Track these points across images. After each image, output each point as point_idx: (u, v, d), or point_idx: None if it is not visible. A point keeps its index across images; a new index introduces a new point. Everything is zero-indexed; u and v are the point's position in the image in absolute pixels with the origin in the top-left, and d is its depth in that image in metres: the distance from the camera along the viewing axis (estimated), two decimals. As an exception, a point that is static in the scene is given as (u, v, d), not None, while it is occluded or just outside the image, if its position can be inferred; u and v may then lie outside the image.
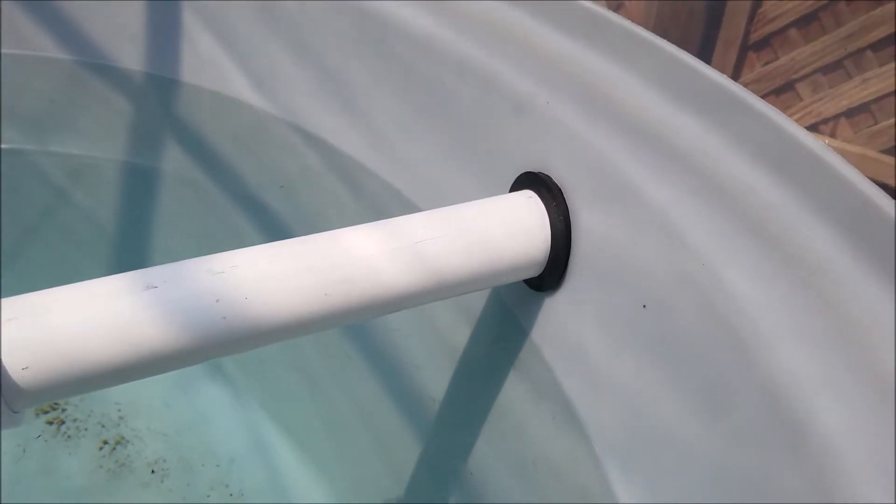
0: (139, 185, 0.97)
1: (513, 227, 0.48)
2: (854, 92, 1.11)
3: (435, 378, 0.67)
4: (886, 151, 1.12)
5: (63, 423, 0.85)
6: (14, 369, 0.37)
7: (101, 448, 0.83)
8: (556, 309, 0.51)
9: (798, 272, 0.35)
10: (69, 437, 0.83)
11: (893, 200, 0.34)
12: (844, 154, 1.17)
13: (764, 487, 0.31)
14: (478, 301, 0.60)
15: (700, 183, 0.40)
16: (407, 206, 0.67)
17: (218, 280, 0.41)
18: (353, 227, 0.46)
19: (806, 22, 1.12)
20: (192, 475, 0.81)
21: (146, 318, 0.39)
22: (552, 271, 0.49)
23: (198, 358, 0.42)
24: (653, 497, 0.41)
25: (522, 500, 0.56)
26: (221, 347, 0.42)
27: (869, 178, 0.98)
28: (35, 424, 0.84)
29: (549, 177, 0.50)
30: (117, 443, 0.83)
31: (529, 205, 0.49)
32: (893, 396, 0.29)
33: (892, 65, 1.06)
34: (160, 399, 0.87)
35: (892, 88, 1.07)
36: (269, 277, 0.42)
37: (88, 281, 0.40)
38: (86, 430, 0.84)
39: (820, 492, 0.28)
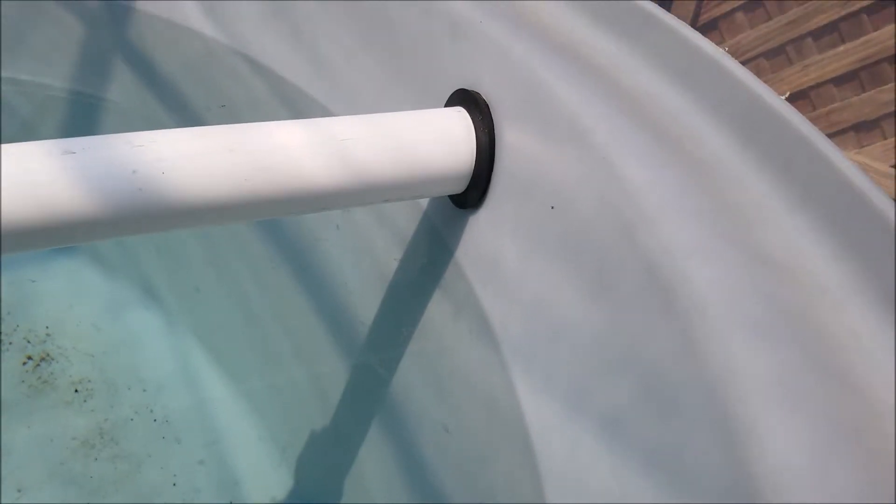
0: (89, 111, 0.96)
1: (439, 138, 0.49)
2: (794, 78, 1.15)
3: (366, 302, 0.68)
4: (822, 138, 1.16)
5: (-13, 335, 0.84)
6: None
7: (24, 363, 0.82)
8: (478, 226, 0.53)
9: (687, 162, 0.37)
10: (-7, 349, 0.83)
11: (783, 98, 0.36)
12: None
13: (640, 351, 0.33)
14: (409, 225, 0.62)
15: (610, 90, 0.42)
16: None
17: (137, 152, 0.41)
18: (281, 121, 0.47)
19: (752, 6, 1.16)
20: (117, 397, 0.81)
21: (61, 181, 0.40)
22: (475, 185, 0.51)
23: (112, 230, 0.42)
24: (547, 390, 0.43)
25: (438, 410, 0.58)
26: (136, 222, 0.42)
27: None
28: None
29: (478, 94, 0.51)
30: (42, 359, 0.83)
31: (457, 118, 0.50)
32: (756, 261, 0.31)
33: (831, 52, 1.10)
34: (90, 320, 0.87)
35: (830, 76, 1.11)
36: (189, 155, 0.42)
37: (9, 144, 0.41)
38: (10, 343, 0.83)
39: (687, 342, 0.30)
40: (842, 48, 1.10)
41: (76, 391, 0.81)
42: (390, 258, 0.62)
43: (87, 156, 0.41)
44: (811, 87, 1.15)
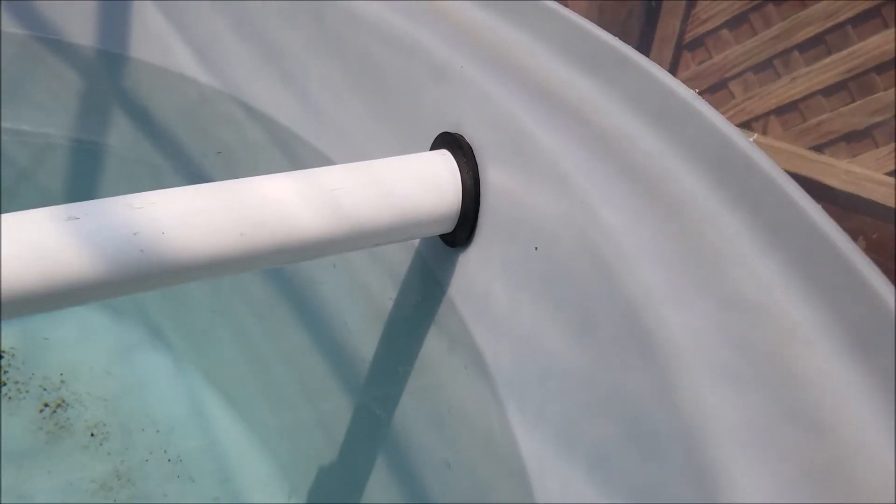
0: (88, 159, 0.98)
1: (425, 182, 0.51)
2: (782, 91, 1.17)
3: (365, 340, 0.70)
4: (814, 149, 1.18)
5: (4, 384, 0.86)
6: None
7: (41, 410, 0.84)
8: (468, 263, 0.54)
9: (663, 204, 0.39)
10: (10, 398, 0.85)
11: (751, 140, 0.38)
12: (775, 151, 1.23)
13: (622, 393, 0.35)
14: (402, 262, 0.63)
15: (587, 133, 0.44)
16: (341, 174, 0.70)
17: (137, 214, 0.43)
18: (272, 174, 0.49)
19: (737, 23, 1.18)
20: (132, 439, 0.83)
21: (66, 247, 0.42)
22: (463, 225, 0.52)
23: (116, 290, 0.44)
24: (540, 426, 0.44)
25: (440, 446, 0.59)
26: (139, 280, 0.44)
27: (797, 175, 1.03)
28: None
29: (461, 136, 0.53)
30: (58, 406, 0.85)
31: (442, 162, 0.52)
32: (728, 304, 0.32)
33: (818, 64, 1.12)
34: (101, 365, 0.89)
35: (818, 87, 1.13)
36: (186, 214, 0.44)
37: (14, 212, 0.43)
38: (27, 392, 0.86)
39: (663, 387, 0.32)
40: (828, 59, 1.11)
41: (92, 435, 0.83)
42: (386, 296, 0.64)
43: (91, 221, 0.43)
44: (800, 99, 1.17)
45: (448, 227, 0.53)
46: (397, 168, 0.52)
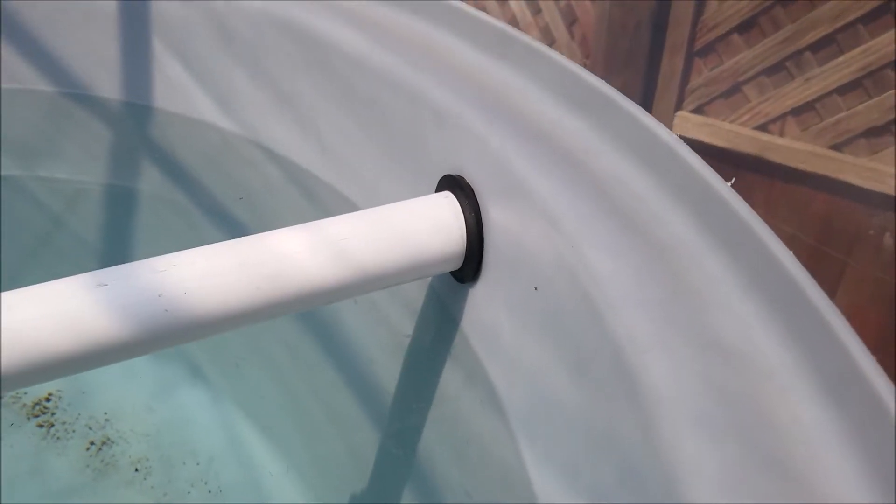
0: (119, 204, 1.03)
1: (431, 225, 0.53)
2: (797, 92, 1.16)
3: (387, 371, 0.72)
4: (834, 147, 1.17)
5: (53, 425, 0.91)
6: (-17, 359, 0.43)
7: (87, 448, 0.89)
8: (477, 298, 0.57)
9: (650, 248, 0.40)
10: (58, 438, 0.89)
11: (729, 185, 0.40)
12: (794, 152, 1.22)
13: (612, 432, 0.37)
14: (417, 297, 0.66)
15: (578, 176, 0.46)
16: (355, 210, 0.73)
17: (160, 277, 0.47)
18: (283, 228, 0.51)
19: (746, 27, 1.18)
20: (174, 473, 0.87)
21: (98, 313, 0.45)
22: (469, 263, 0.55)
23: (145, 348, 0.47)
24: (549, 459, 0.46)
25: (461, 478, 0.61)
26: (166, 338, 0.47)
27: (818, 173, 1.03)
28: (27, 427, 0.90)
29: (463, 178, 0.55)
30: (103, 443, 0.89)
31: (446, 204, 0.55)
32: (709, 349, 0.34)
33: (831, 64, 1.11)
34: (143, 402, 0.93)
35: (834, 87, 1.12)
36: (206, 274, 0.47)
37: (49, 282, 0.46)
38: (74, 431, 0.90)
39: (647, 433, 0.33)
40: (841, 58, 1.11)
41: (136, 470, 0.87)
42: (404, 330, 0.67)
43: (118, 286, 0.46)
44: (816, 99, 1.16)
45: (456, 265, 0.56)
46: (404, 212, 0.54)
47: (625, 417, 0.34)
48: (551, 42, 1.56)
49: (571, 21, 1.48)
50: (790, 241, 1.24)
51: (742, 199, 0.37)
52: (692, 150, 0.41)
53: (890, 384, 0.27)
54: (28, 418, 0.92)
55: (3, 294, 0.45)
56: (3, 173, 1.05)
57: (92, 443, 0.90)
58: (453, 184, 0.55)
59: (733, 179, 0.39)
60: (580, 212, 0.44)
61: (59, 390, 0.95)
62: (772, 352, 0.32)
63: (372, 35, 0.67)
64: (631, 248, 0.41)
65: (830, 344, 0.30)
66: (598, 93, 0.49)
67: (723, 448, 0.29)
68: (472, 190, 0.54)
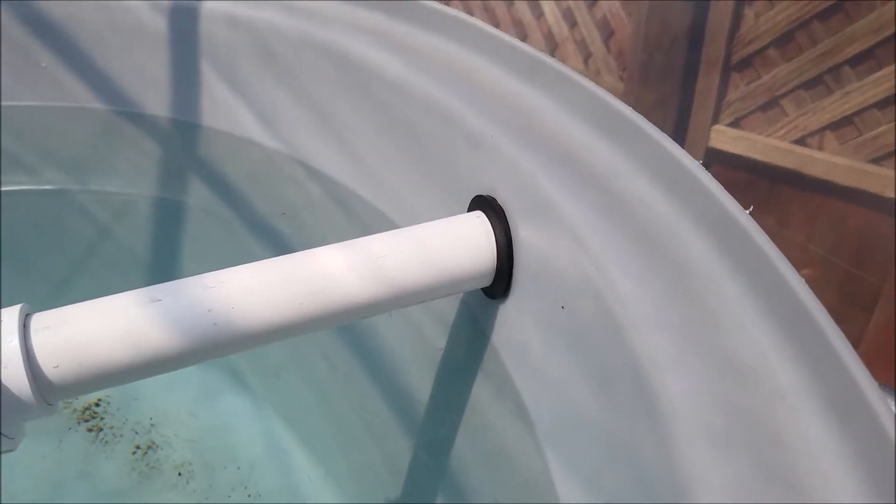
0: (168, 217, 1.08)
1: (463, 244, 0.56)
2: (835, 106, 1.16)
3: (421, 382, 0.75)
4: (873, 161, 1.16)
5: (101, 430, 0.96)
6: (47, 368, 0.47)
7: (133, 452, 0.93)
8: (507, 314, 0.59)
9: (672, 270, 0.42)
10: (106, 442, 0.94)
11: (747, 212, 0.41)
12: (833, 166, 1.21)
13: (632, 445, 0.38)
14: (450, 311, 0.68)
15: (604, 199, 0.48)
16: (392, 227, 0.76)
17: (210, 293, 0.50)
18: (325, 246, 0.54)
19: (783, 41, 1.18)
20: (215, 477, 0.90)
21: (152, 326, 0.48)
22: (499, 281, 0.57)
23: (195, 358, 0.50)
24: (573, 468, 0.48)
25: (490, 487, 0.63)
26: (214, 349, 0.50)
27: (857, 188, 1.02)
28: (77, 431, 0.95)
29: (494, 199, 0.57)
30: (148, 448, 0.93)
31: (478, 224, 0.57)
32: (724, 370, 0.35)
33: (870, 78, 1.11)
34: (187, 408, 0.97)
35: (872, 101, 1.12)
36: (252, 290, 0.50)
37: (106, 297, 0.50)
38: (121, 436, 0.94)
39: (665, 449, 0.35)
40: (880, 73, 1.10)
41: (179, 474, 0.91)
42: (437, 343, 0.69)
43: (171, 301, 0.49)
44: (854, 113, 1.15)
45: (486, 282, 0.58)
46: (437, 231, 0.56)
47: (643, 433, 0.36)
48: (587, 56, 1.57)
49: (608, 35, 1.49)
50: (824, 262, 1.23)
51: (758, 225, 0.39)
52: (713, 178, 0.43)
53: (889, 405, 0.29)
54: (79, 422, 0.97)
55: (64, 308, 0.49)
56: (54, 187, 1.10)
57: (138, 447, 0.94)
58: (485, 204, 0.58)
59: (751, 207, 0.40)
60: (606, 234, 0.46)
61: (107, 396, 1.00)
62: (783, 372, 0.34)
63: (407, 59, 0.70)
64: (653, 270, 0.42)
65: (836, 366, 0.31)
66: (625, 119, 0.50)
67: (733, 462, 0.31)
68: (502, 210, 0.56)
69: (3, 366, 0.46)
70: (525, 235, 0.54)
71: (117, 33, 0.99)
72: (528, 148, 0.55)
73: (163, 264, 1.09)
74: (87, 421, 0.97)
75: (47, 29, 0.97)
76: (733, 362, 0.35)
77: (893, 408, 0.49)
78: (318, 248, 0.54)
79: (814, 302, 0.34)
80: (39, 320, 0.47)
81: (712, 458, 0.31)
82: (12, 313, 0.47)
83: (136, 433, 0.95)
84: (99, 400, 1.00)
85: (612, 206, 0.48)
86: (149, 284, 1.12)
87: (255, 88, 0.90)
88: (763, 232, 0.38)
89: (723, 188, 0.42)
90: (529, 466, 0.54)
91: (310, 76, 0.80)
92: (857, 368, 0.30)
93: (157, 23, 0.95)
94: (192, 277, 0.51)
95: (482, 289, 0.61)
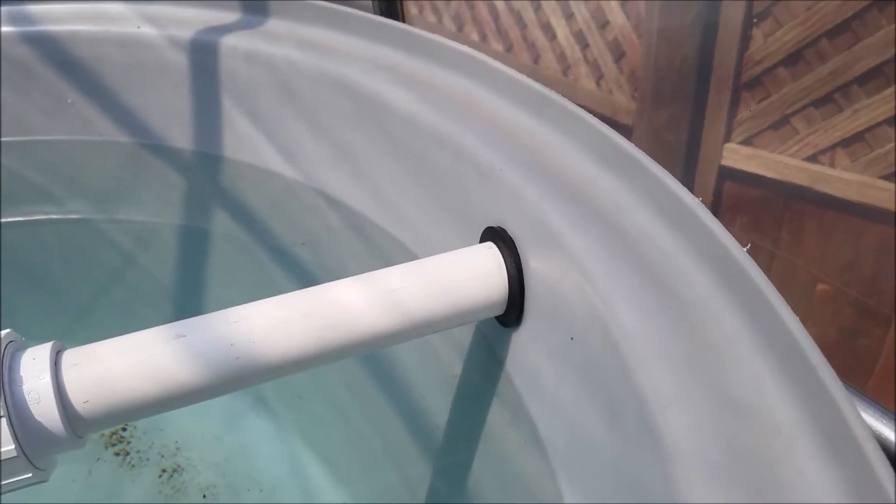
0: (192, 245, 1.11)
1: (475, 275, 0.58)
2: (846, 123, 1.16)
3: (438, 407, 0.76)
4: (885, 178, 1.16)
5: (128, 454, 0.98)
6: (78, 403, 0.49)
7: (160, 476, 0.96)
8: (520, 342, 0.60)
9: (677, 305, 0.43)
10: (133, 465, 0.96)
11: (745, 250, 0.43)
12: (845, 183, 1.21)
13: (640, 480, 0.40)
14: (465, 339, 0.70)
15: (609, 231, 0.50)
16: (409, 255, 0.78)
17: (233, 328, 0.52)
18: (343, 279, 0.56)
19: (792, 61, 1.19)
20: (239, 499, 0.92)
21: (177, 361, 0.51)
22: (511, 310, 0.58)
23: (218, 392, 0.53)
24: (585, 496, 0.49)
25: (507, 510, 0.65)
26: (237, 382, 0.53)
27: (870, 204, 1.03)
28: (104, 455, 0.98)
29: (504, 230, 0.59)
30: (174, 471, 0.96)
31: (489, 255, 0.59)
32: (724, 405, 0.37)
33: (879, 96, 1.11)
34: (212, 432, 0.99)
35: (882, 118, 1.12)
36: (273, 325, 0.53)
37: (133, 333, 0.52)
38: (147, 459, 0.97)
39: (668, 486, 0.36)
40: (889, 90, 1.11)
41: (204, 496, 0.94)
42: (453, 369, 0.71)
43: (195, 337, 0.52)
44: (865, 130, 1.16)
45: (499, 311, 0.60)
46: (450, 262, 0.58)
47: (647, 465, 0.37)
48: (600, 77, 1.59)
49: (619, 56, 1.51)
50: (840, 277, 1.23)
51: (755, 262, 0.40)
52: (712, 215, 0.44)
53: (874, 441, 0.30)
54: (106, 447, 0.99)
55: (94, 345, 0.52)
56: (78, 217, 1.14)
57: (164, 470, 0.96)
58: (495, 235, 0.59)
59: (749, 245, 0.42)
60: (612, 267, 0.47)
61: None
62: (780, 408, 0.35)
63: (419, 93, 0.72)
64: (657, 304, 0.44)
65: (828, 403, 0.33)
66: (628, 155, 0.52)
67: (732, 497, 0.32)
68: (513, 241, 0.58)
69: (36, 401, 0.48)
70: (535, 266, 0.56)
71: (142, 69, 1.02)
72: (536, 181, 0.57)
73: (187, 290, 1.12)
74: (114, 445, 0.99)
75: (74, 68, 1.01)
76: (732, 398, 0.37)
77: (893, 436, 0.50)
78: (336, 282, 0.56)
79: (806, 337, 0.35)
80: (70, 357, 0.50)
81: (712, 492, 0.33)
82: (44, 351, 0.50)
83: (162, 457, 0.98)
84: (126, 425, 1.03)
85: (616, 238, 0.49)
86: (172, 309, 1.15)
87: (275, 121, 0.93)
88: (758, 268, 0.40)
89: (722, 226, 0.44)
90: (544, 493, 0.56)
91: (327, 110, 0.83)
92: (846, 404, 0.32)
93: (179, 59, 0.98)
94: (215, 313, 0.53)
95: (496, 317, 0.62)
